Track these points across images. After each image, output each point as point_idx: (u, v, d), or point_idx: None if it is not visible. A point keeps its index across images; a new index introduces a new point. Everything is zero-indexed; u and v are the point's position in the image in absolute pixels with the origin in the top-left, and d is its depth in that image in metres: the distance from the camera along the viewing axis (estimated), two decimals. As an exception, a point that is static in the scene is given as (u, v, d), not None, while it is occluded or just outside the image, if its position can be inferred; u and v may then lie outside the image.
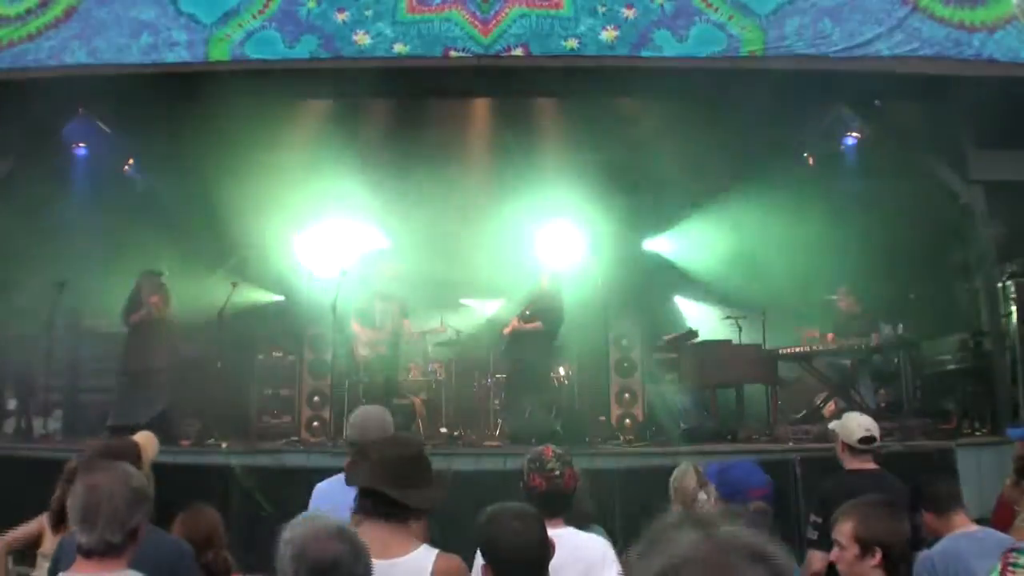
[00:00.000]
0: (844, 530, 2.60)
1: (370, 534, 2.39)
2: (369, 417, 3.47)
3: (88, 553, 2.15)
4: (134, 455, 2.92)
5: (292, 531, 1.92)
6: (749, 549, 1.02)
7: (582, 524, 3.15)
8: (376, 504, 2.50)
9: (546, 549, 2.44)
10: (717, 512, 1.15)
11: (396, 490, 2.48)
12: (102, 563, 2.15)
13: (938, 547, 3.26)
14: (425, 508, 2.57)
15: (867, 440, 4.05)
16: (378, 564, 2.18)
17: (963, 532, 3.31)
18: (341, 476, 3.43)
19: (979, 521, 3.61)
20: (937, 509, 3.43)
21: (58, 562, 2.79)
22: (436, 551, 2.50)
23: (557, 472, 2.99)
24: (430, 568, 2.43)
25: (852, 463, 4.08)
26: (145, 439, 3.23)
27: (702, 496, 3.56)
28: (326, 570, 1.84)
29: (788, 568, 1.03)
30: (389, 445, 2.65)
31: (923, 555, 3.29)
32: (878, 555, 2.53)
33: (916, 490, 3.58)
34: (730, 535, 1.04)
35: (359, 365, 8.38)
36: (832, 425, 4.37)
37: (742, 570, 0.99)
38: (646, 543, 1.10)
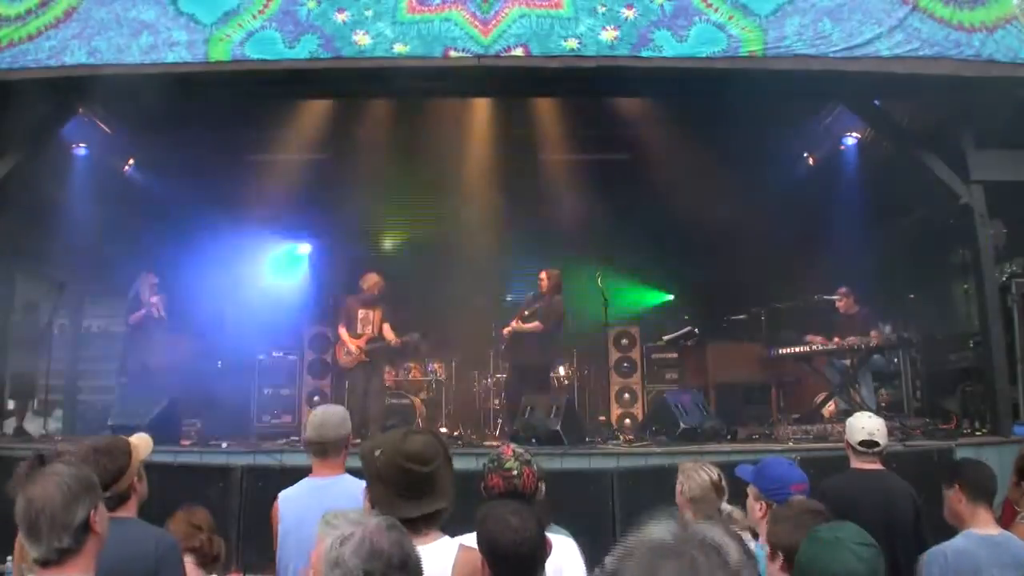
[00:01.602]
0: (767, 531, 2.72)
1: None
2: (328, 415, 3.49)
3: (44, 564, 2.13)
4: (125, 452, 2.92)
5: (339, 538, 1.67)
6: (707, 539, 1.10)
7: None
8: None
9: (543, 545, 2.43)
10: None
11: (405, 504, 2.44)
12: (61, 569, 2.12)
13: (953, 545, 3.18)
14: (432, 514, 2.52)
15: (867, 444, 4.03)
16: None
17: (983, 534, 3.23)
18: (307, 480, 3.40)
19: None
20: (972, 494, 3.32)
21: None
22: (458, 542, 2.47)
23: (515, 472, 2.96)
24: (452, 558, 2.42)
25: (856, 462, 4.07)
26: (138, 439, 3.23)
27: (726, 507, 3.46)
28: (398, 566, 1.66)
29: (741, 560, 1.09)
30: (403, 461, 2.48)
31: (936, 550, 3.21)
32: (779, 560, 2.59)
33: (956, 466, 3.56)
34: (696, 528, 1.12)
35: (343, 373, 8.71)
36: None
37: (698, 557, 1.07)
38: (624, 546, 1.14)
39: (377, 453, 2.53)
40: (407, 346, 8.98)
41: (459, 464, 5.61)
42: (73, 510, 2.13)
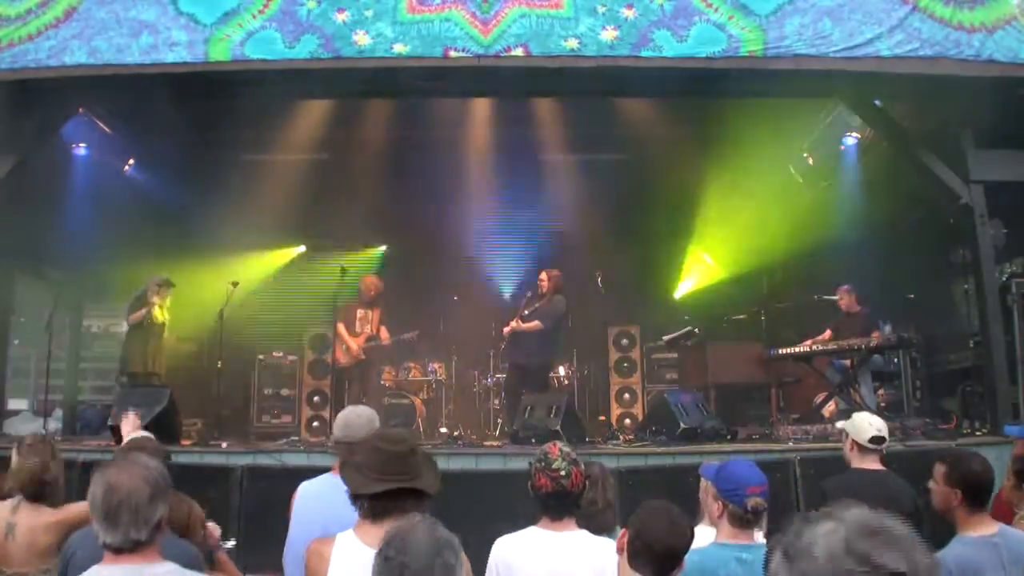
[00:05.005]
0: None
1: (373, 530, 2.43)
2: (357, 416, 3.48)
3: (117, 551, 2.16)
4: (162, 455, 2.99)
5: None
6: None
7: (601, 531, 3.10)
8: (383, 503, 2.51)
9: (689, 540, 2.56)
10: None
11: (405, 481, 2.51)
12: (133, 557, 2.16)
13: (954, 552, 3.07)
14: (431, 491, 2.59)
15: (877, 440, 4.03)
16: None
17: (981, 537, 3.13)
18: (327, 476, 3.41)
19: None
20: (971, 501, 3.21)
21: (70, 558, 2.80)
22: None
23: (563, 472, 2.89)
24: None
25: (859, 462, 4.06)
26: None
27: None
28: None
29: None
30: (381, 443, 2.62)
31: (937, 560, 3.05)
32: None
33: (957, 465, 3.30)
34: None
35: (340, 371, 9.04)
36: (841, 424, 4.32)
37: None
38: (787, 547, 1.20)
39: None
40: (403, 344, 9.33)
41: (459, 464, 5.64)
42: (156, 506, 2.18)
